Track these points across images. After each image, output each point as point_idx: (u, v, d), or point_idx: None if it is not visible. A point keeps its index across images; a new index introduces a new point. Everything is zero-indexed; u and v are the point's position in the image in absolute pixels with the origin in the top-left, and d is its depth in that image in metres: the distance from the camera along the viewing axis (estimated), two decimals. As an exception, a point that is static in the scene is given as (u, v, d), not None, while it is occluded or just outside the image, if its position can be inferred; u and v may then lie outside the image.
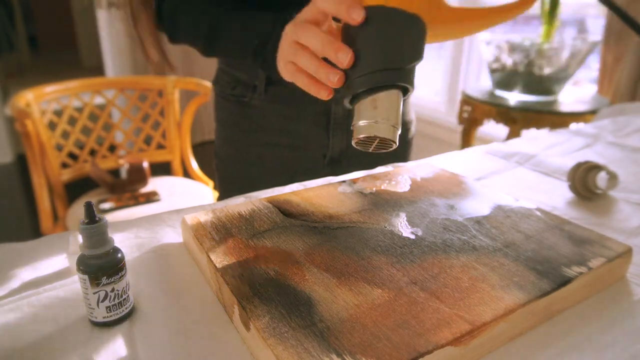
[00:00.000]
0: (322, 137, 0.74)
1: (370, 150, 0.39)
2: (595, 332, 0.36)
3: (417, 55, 0.37)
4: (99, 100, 1.52)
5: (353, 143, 0.39)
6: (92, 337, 0.34)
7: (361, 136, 0.37)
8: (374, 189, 0.53)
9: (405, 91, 0.38)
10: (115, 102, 1.56)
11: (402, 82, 0.37)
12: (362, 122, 0.37)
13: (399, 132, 0.38)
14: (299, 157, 0.74)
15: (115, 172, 1.54)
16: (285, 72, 0.46)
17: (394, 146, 0.38)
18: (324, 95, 0.42)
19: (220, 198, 0.78)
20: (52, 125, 1.41)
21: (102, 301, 0.34)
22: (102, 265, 0.34)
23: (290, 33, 0.44)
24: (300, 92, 0.69)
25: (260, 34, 0.57)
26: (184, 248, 0.46)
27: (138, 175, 1.47)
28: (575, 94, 1.77)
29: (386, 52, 0.36)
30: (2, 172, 2.74)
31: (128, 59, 2.79)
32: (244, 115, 0.75)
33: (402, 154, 0.83)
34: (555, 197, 0.59)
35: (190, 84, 1.60)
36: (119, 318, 0.35)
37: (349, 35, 0.38)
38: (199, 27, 0.64)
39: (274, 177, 0.70)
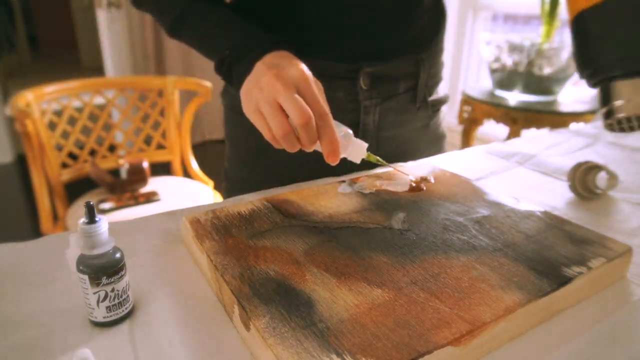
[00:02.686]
0: None
1: (625, 132, 0.42)
2: (595, 332, 0.36)
3: None
4: (99, 100, 1.52)
5: (606, 124, 0.41)
6: (92, 337, 0.34)
7: (619, 115, 0.40)
8: (374, 189, 0.53)
9: None
10: (115, 102, 1.56)
11: None
12: (619, 103, 0.39)
13: None
14: (323, 176, 0.64)
15: (115, 172, 1.54)
16: (251, 115, 0.45)
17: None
18: (292, 149, 0.44)
19: None
20: (52, 125, 1.41)
21: (102, 301, 0.34)
22: (102, 265, 0.34)
23: (271, 85, 0.43)
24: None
25: (236, 45, 0.52)
26: (184, 248, 0.46)
27: (138, 175, 1.46)
28: (575, 94, 1.77)
29: (629, 41, 0.38)
30: (2, 172, 2.74)
31: (128, 59, 2.79)
32: (256, 131, 0.66)
33: (437, 148, 0.77)
34: (555, 197, 0.59)
35: (190, 84, 1.60)
36: (119, 318, 0.35)
37: (583, 29, 0.39)
38: (170, 4, 0.58)
39: None
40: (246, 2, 0.63)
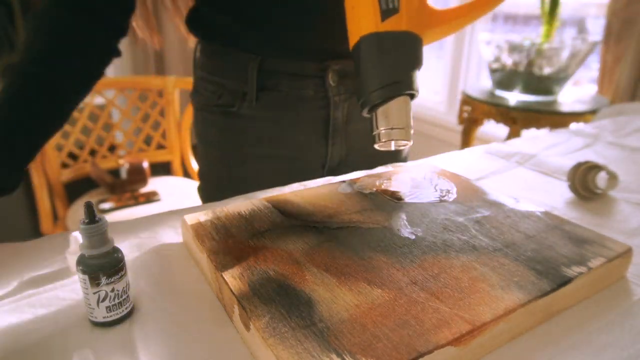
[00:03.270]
0: (320, 146, 0.68)
1: (393, 149, 0.46)
2: (595, 332, 0.36)
3: (414, 65, 0.44)
4: (99, 100, 1.52)
5: (376, 146, 0.45)
6: (92, 337, 0.34)
7: (382, 141, 0.45)
8: (374, 189, 0.53)
9: (412, 95, 0.44)
10: (115, 102, 1.56)
11: (404, 90, 0.43)
12: (380, 130, 0.44)
13: (412, 130, 0.44)
14: (296, 169, 0.67)
15: (115, 172, 1.54)
16: None
17: (410, 143, 0.45)
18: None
19: None
20: (52, 125, 1.41)
21: (102, 301, 0.34)
22: (102, 265, 0.34)
23: None
24: (295, 98, 0.66)
25: None
26: (184, 248, 0.46)
27: (138, 175, 1.47)
28: (575, 94, 1.77)
29: (386, 70, 0.43)
30: (2, 172, 2.73)
31: (128, 59, 2.79)
32: (233, 129, 0.67)
33: (396, 156, 0.77)
34: (555, 197, 0.59)
35: (190, 84, 1.60)
36: (119, 318, 0.35)
37: (357, 58, 0.44)
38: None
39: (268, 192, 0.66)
40: (216, 1, 0.63)
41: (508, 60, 1.64)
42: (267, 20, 0.61)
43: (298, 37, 0.61)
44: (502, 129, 1.86)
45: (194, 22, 0.67)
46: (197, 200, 0.77)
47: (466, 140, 1.90)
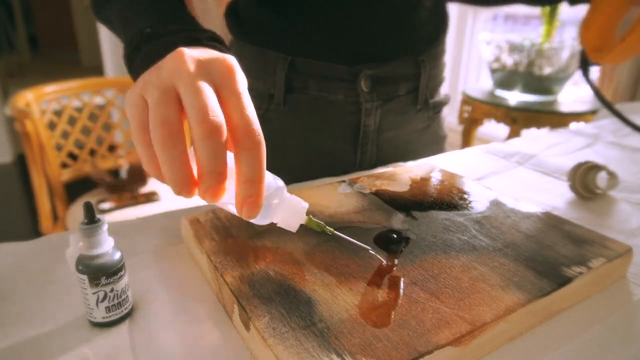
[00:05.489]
0: (349, 154, 0.66)
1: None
2: (595, 332, 0.36)
3: None
4: (99, 100, 1.52)
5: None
6: (91, 337, 0.34)
7: None
8: (374, 189, 0.53)
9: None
10: (115, 102, 1.56)
11: None
12: None
13: None
14: (322, 176, 0.64)
15: (115, 172, 1.54)
16: (128, 105, 0.30)
17: None
18: (185, 193, 0.29)
19: None
20: (52, 125, 1.41)
21: (102, 301, 0.34)
22: (102, 266, 0.34)
23: (174, 63, 0.29)
24: (324, 102, 0.64)
25: (158, 21, 0.39)
26: (184, 248, 0.46)
27: (138, 175, 1.47)
28: (575, 94, 1.77)
29: None
30: (2, 172, 2.74)
31: (128, 59, 2.79)
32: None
33: (438, 149, 0.75)
34: (555, 197, 0.59)
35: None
36: (118, 318, 0.35)
37: None
38: None
39: None
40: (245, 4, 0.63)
41: (508, 60, 1.64)
42: (297, 17, 0.60)
43: (330, 37, 0.60)
44: (502, 129, 1.86)
45: (231, 17, 0.66)
46: (196, 200, 0.77)
47: (466, 140, 1.90)
